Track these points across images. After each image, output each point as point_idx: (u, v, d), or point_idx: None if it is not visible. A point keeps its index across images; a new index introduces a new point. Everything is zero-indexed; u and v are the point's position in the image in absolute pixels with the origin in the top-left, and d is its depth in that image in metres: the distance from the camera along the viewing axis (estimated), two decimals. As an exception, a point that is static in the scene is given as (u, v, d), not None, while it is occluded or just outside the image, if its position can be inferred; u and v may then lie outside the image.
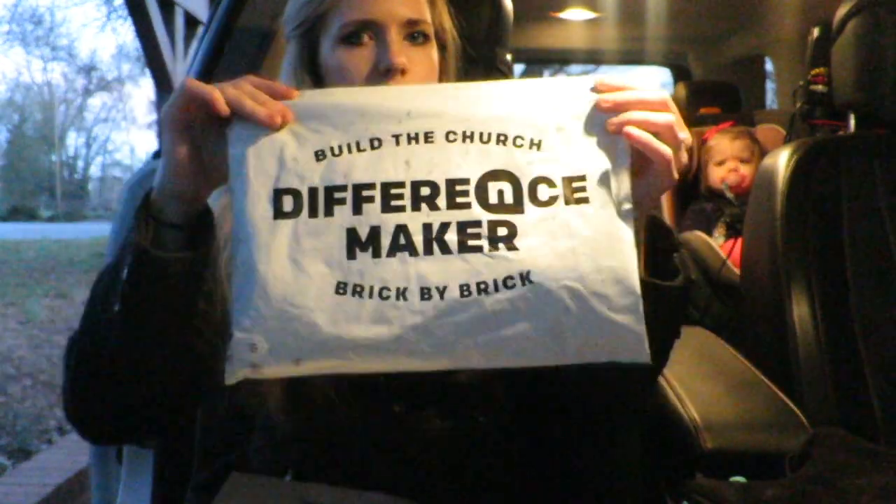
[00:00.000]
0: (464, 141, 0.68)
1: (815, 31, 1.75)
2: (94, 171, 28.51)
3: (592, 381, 0.81)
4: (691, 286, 0.75)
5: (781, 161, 1.31)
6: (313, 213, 0.67)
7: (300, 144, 0.69)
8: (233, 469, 0.85)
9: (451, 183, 0.67)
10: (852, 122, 1.63)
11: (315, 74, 0.88)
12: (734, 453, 0.98)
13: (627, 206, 0.68)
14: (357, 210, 0.67)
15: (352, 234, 0.67)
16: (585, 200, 0.67)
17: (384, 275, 0.66)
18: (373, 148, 0.69)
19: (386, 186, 0.67)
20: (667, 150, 0.69)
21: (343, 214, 0.67)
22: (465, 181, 0.67)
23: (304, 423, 0.85)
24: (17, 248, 11.42)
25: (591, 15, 3.10)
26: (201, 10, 6.23)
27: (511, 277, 0.65)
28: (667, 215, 2.72)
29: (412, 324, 0.65)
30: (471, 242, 0.66)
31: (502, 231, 0.66)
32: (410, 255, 0.66)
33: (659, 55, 3.82)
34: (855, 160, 1.30)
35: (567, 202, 0.67)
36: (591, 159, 0.68)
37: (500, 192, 0.67)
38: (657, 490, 1.04)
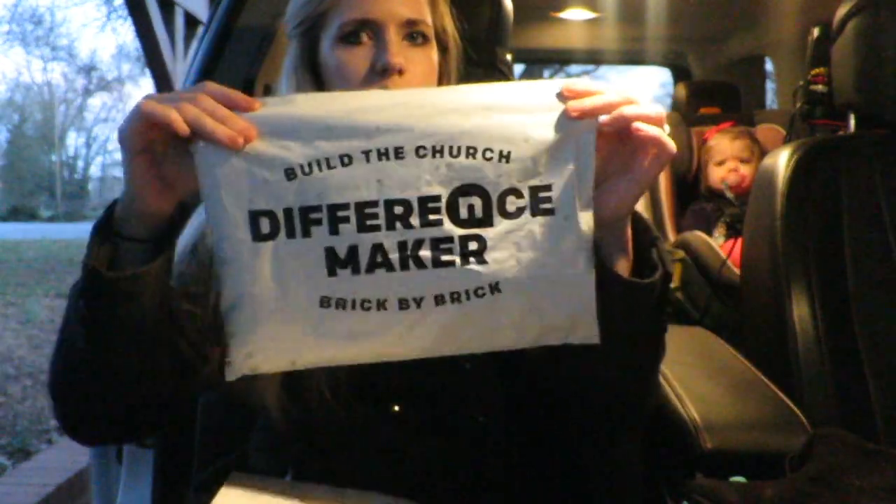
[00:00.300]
0: (434, 156, 0.69)
1: (815, 31, 1.75)
2: (94, 171, 28.51)
3: (592, 379, 0.81)
4: (669, 279, 0.76)
5: (781, 161, 1.31)
6: (291, 234, 0.69)
7: (269, 163, 0.68)
8: (233, 469, 0.86)
9: (423, 201, 0.69)
10: (852, 122, 1.63)
11: (315, 73, 0.88)
12: (734, 453, 0.98)
13: (589, 212, 0.70)
14: (334, 230, 0.69)
15: (331, 253, 0.69)
16: (550, 212, 0.70)
17: (364, 290, 0.70)
18: (343, 165, 0.69)
19: (360, 206, 0.69)
20: (668, 142, 0.69)
21: (321, 235, 0.69)
22: (437, 198, 0.69)
23: (303, 423, 0.85)
24: (17, 248, 11.42)
25: (591, 15, 3.10)
26: (201, 10, 6.23)
27: (481, 288, 0.70)
28: (667, 215, 2.72)
29: (392, 327, 0.71)
30: (444, 258, 0.69)
31: (473, 245, 0.70)
32: (388, 270, 0.69)
33: (659, 55, 3.82)
34: (855, 160, 1.30)
35: (533, 213, 0.70)
36: (557, 169, 0.70)
37: (471, 207, 0.69)
38: (657, 490, 1.04)
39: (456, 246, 0.70)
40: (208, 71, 1.42)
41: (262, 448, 0.90)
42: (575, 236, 0.70)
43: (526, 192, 0.70)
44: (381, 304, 0.70)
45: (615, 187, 0.71)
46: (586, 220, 0.71)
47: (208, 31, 1.41)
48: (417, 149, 0.69)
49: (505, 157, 0.70)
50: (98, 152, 28.21)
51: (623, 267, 0.75)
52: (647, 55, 3.81)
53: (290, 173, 0.68)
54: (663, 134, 0.69)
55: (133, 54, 24.63)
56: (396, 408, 0.86)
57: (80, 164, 27.46)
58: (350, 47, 0.84)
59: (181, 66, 5.91)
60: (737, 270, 1.89)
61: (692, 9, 3.03)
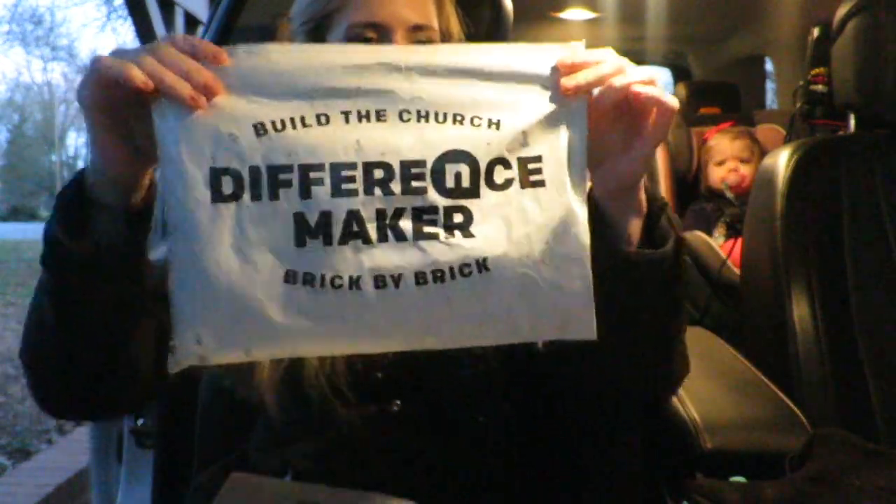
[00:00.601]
0: (418, 121, 0.64)
1: (815, 31, 1.75)
2: (95, 171, 28.43)
3: (618, 361, 0.79)
4: (682, 246, 0.73)
5: (781, 161, 1.31)
6: (256, 196, 0.62)
7: (237, 118, 0.62)
8: (233, 469, 0.85)
9: (405, 165, 0.63)
10: (852, 122, 1.63)
11: None
12: (734, 453, 0.98)
13: (582, 188, 0.66)
14: (305, 194, 0.62)
15: (300, 219, 0.62)
16: (541, 184, 0.65)
17: (336, 263, 0.63)
18: (319, 124, 0.63)
19: (336, 168, 0.62)
20: (670, 98, 0.67)
21: (290, 198, 0.62)
22: (421, 163, 0.63)
23: (303, 423, 0.85)
24: (17, 248, 11.42)
25: (591, 15, 3.10)
26: (201, 10, 6.23)
27: (467, 265, 0.64)
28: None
29: (366, 312, 0.64)
30: (426, 229, 0.63)
31: (458, 218, 0.64)
32: (364, 242, 0.63)
33: (659, 55, 3.83)
34: (855, 160, 1.30)
35: (523, 185, 0.65)
36: (548, 140, 0.66)
37: (458, 175, 0.64)
38: (657, 490, 1.04)
39: (440, 217, 0.64)
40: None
41: (262, 448, 0.90)
42: (567, 213, 0.66)
43: (514, 163, 0.65)
44: (354, 282, 0.63)
45: (622, 157, 0.69)
46: (579, 195, 0.66)
47: (208, 31, 1.41)
48: (401, 112, 0.64)
49: (494, 124, 0.65)
50: (98, 152, 28.15)
51: (638, 227, 0.73)
52: (647, 55, 3.80)
53: (259, 129, 0.62)
54: (662, 92, 0.67)
55: (133, 54, 24.55)
56: (396, 406, 0.86)
57: (80, 164, 27.43)
58: None
59: (181, 66, 5.90)
60: (737, 270, 1.89)
61: (692, 9, 3.03)
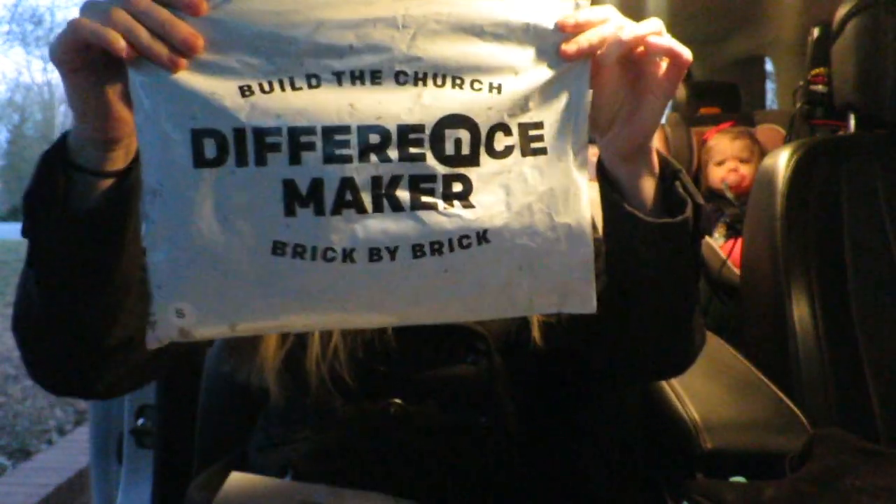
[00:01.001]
0: (416, 83, 0.60)
1: (815, 31, 1.75)
2: (95, 171, 28.46)
3: (631, 335, 0.77)
4: (702, 211, 0.69)
5: (781, 161, 1.31)
6: (242, 161, 0.58)
7: (221, 76, 0.58)
8: (233, 469, 0.86)
9: (403, 130, 0.59)
10: (852, 122, 1.63)
11: None
12: (734, 453, 0.98)
13: (584, 155, 0.64)
14: (295, 159, 0.58)
15: (290, 186, 0.58)
16: (542, 151, 0.63)
17: (328, 234, 0.59)
18: (310, 87, 0.58)
19: (328, 132, 0.58)
20: (683, 49, 0.65)
21: (278, 164, 0.58)
22: (420, 128, 0.60)
23: (302, 413, 0.85)
24: (18, 248, 11.41)
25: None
26: (201, 11, 6.23)
27: (467, 236, 0.61)
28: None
29: (360, 287, 0.61)
30: (424, 199, 0.60)
31: (457, 187, 0.61)
32: (358, 212, 0.59)
33: (659, 55, 3.82)
34: (855, 160, 1.30)
35: (524, 153, 0.62)
36: (550, 106, 0.63)
37: (458, 142, 0.60)
38: (657, 490, 1.04)
39: (439, 186, 0.60)
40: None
41: (262, 448, 0.90)
42: (568, 181, 0.63)
43: (515, 130, 0.62)
44: (347, 255, 0.59)
45: (633, 116, 0.67)
46: (580, 162, 0.64)
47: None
48: (397, 74, 0.59)
49: (496, 88, 0.61)
50: (98, 152, 28.18)
51: (651, 191, 0.71)
52: (647, 55, 3.80)
53: (245, 90, 0.58)
54: (675, 42, 0.64)
55: (133, 54, 24.59)
56: (397, 404, 0.85)
57: (80, 164, 27.43)
58: None
59: (181, 66, 5.91)
60: (737, 270, 1.89)
61: (692, 9, 3.03)
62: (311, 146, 0.58)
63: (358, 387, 0.84)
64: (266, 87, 0.58)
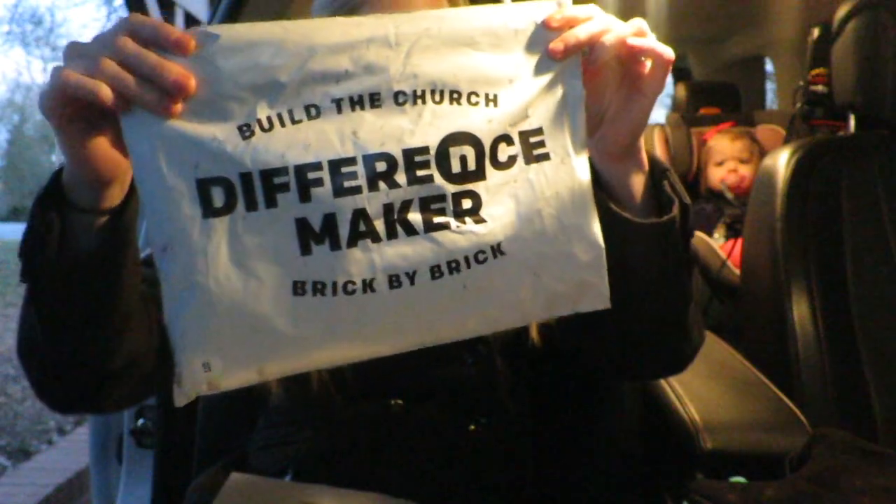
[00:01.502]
0: (415, 103, 0.59)
1: (815, 32, 1.75)
2: (94, 171, 28.47)
3: (624, 337, 0.77)
4: (688, 211, 0.70)
5: (781, 161, 1.31)
6: (252, 205, 0.57)
7: (218, 118, 0.56)
8: (233, 469, 0.85)
9: (409, 154, 0.59)
10: (852, 122, 1.63)
11: None
12: (734, 453, 0.98)
13: (584, 155, 0.64)
14: (305, 197, 0.57)
15: (303, 225, 0.58)
16: (545, 157, 0.63)
17: (347, 267, 0.58)
18: (310, 118, 0.57)
19: (335, 165, 0.57)
20: (665, 48, 0.65)
21: (289, 203, 0.57)
22: (425, 150, 0.59)
23: (303, 412, 0.85)
24: (17, 248, 11.41)
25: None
26: (201, 10, 6.23)
27: (482, 251, 0.61)
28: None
29: (382, 314, 0.60)
30: (436, 220, 0.60)
31: (467, 203, 0.61)
32: (373, 241, 0.59)
33: (659, 55, 3.82)
34: (855, 161, 1.30)
35: (527, 161, 0.62)
36: (546, 110, 0.63)
37: (463, 159, 0.60)
38: (657, 490, 1.04)
39: (449, 205, 0.60)
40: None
41: (262, 448, 0.90)
42: (573, 182, 0.63)
43: (516, 138, 0.62)
44: (367, 285, 0.59)
45: (621, 115, 0.67)
46: (582, 164, 0.64)
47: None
48: (396, 95, 0.59)
49: (492, 100, 0.61)
50: (98, 152, 28.19)
51: (640, 190, 0.71)
52: (647, 55, 3.80)
53: (245, 130, 0.56)
54: (655, 42, 0.65)
55: (133, 54, 24.61)
56: (398, 404, 0.85)
57: (81, 164, 27.45)
58: None
59: (181, 66, 5.91)
60: (737, 271, 1.89)
61: (692, 9, 3.03)
62: (319, 182, 0.57)
63: (359, 387, 0.84)
64: (266, 125, 0.57)
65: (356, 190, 0.58)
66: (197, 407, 1.07)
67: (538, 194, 0.62)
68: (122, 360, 0.68)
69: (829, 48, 1.39)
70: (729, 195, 2.50)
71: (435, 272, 0.60)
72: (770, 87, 3.93)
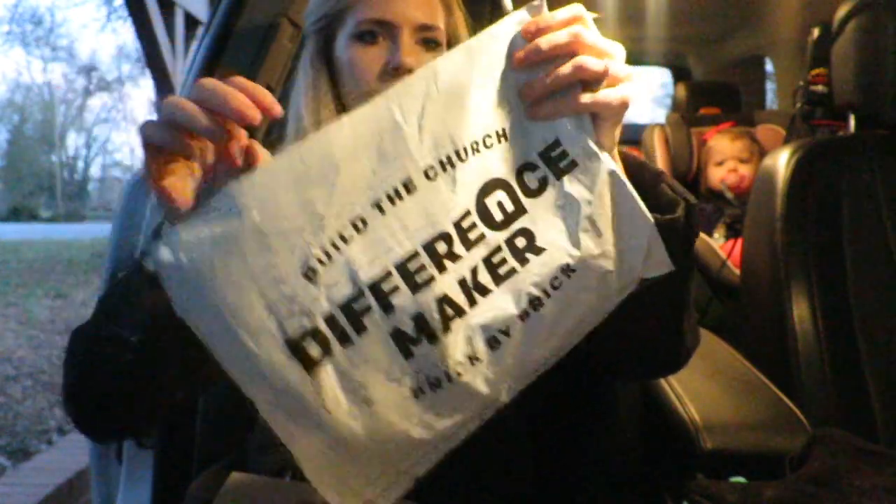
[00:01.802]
0: (444, 170, 0.59)
1: (815, 32, 1.75)
2: (95, 171, 28.53)
3: (627, 339, 0.78)
4: (694, 210, 0.70)
5: (781, 161, 1.31)
6: (345, 340, 0.57)
7: (280, 263, 0.55)
8: (233, 469, 0.85)
9: (457, 223, 0.59)
10: (852, 122, 1.63)
11: (329, 69, 0.92)
12: (734, 453, 0.98)
13: (601, 144, 0.64)
14: (388, 309, 0.57)
15: (397, 335, 0.58)
16: (572, 164, 0.63)
17: (451, 353, 0.59)
18: (359, 232, 0.57)
19: (401, 267, 0.58)
20: (616, 96, 0.63)
21: (377, 322, 0.57)
22: (467, 214, 0.60)
23: None
24: (17, 248, 11.43)
25: (591, 15, 3.09)
26: (201, 11, 6.23)
27: (555, 278, 0.62)
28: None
29: (492, 377, 0.61)
30: (502, 270, 0.61)
31: (521, 242, 0.62)
32: (461, 317, 0.59)
33: (659, 55, 3.82)
34: (855, 161, 1.30)
35: (557, 176, 0.63)
36: (552, 122, 0.63)
37: (500, 205, 0.61)
38: (657, 490, 1.04)
39: (507, 252, 0.61)
40: (208, 71, 1.43)
41: (261, 448, 0.90)
42: (606, 173, 0.63)
43: (538, 161, 0.63)
44: (473, 358, 0.60)
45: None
46: (605, 155, 0.63)
47: (208, 31, 1.41)
48: (426, 172, 0.59)
49: (502, 135, 0.62)
50: (98, 153, 28.25)
51: None
52: (647, 55, 3.81)
53: (310, 274, 0.56)
54: (610, 94, 0.63)
55: (133, 55, 24.68)
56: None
57: (81, 164, 27.48)
58: (365, 46, 0.87)
59: (181, 66, 5.92)
60: (737, 271, 1.89)
61: (692, 9, 3.03)
62: (395, 290, 0.57)
63: None
64: (325, 259, 0.56)
65: (429, 280, 0.58)
66: (197, 407, 1.07)
67: (580, 200, 0.63)
68: (187, 395, 0.75)
69: (829, 48, 1.39)
70: (729, 195, 2.50)
71: (523, 317, 0.61)
72: (770, 87, 3.93)
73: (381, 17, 0.86)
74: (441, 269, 0.58)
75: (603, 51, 0.64)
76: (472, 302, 0.59)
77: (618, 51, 0.65)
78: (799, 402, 1.10)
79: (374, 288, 0.57)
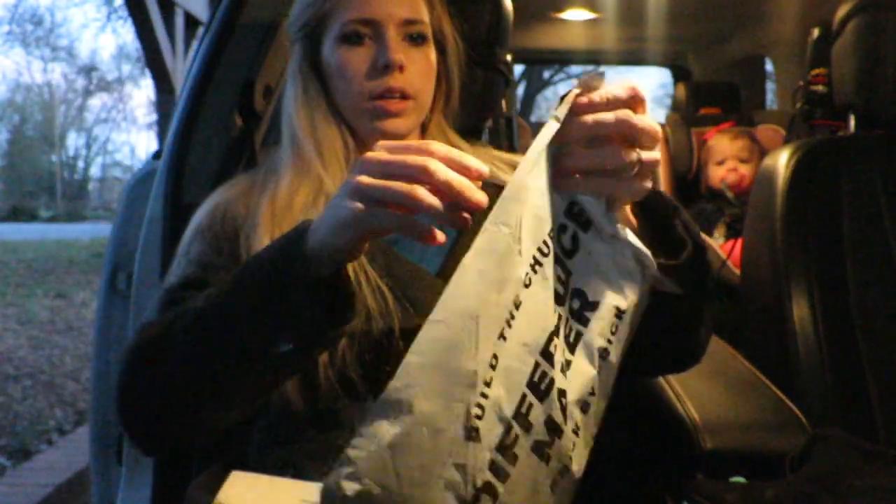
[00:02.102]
0: (535, 272, 0.59)
1: (815, 32, 1.75)
2: (95, 171, 28.52)
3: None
4: (702, 250, 0.72)
5: (781, 161, 1.31)
6: (505, 478, 0.58)
7: (448, 436, 0.55)
8: (233, 469, 0.85)
9: (544, 352, 0.60)
10: (852, 122, 1.63)
11: (318, 74, 0.92)
12: (734, 453, 0.98)
13: (607, 218, 0.67)
14: (528, 428, 0.59)
15: (538, 446, 0.60)
16: (590, 221, 0.66)
17: (569, 436, 0.62)
18: (494, 369, 0.57)
19: (531, 384, 0.59)
20: (638, 189, 0.66)
21: (522, 446, 0.59)
22: (556, 332, 0.62)
23: (308, 416, 0.85)
24: (17, 248, 11.42)
25: (591, 15, 3.10)
26: (201, 11, 6.24)
27: (613, 325, 0.66)
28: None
29: (585, 439, 0.65)
30: (572, 338, 0.65)
31: (576, 304, 0.65)
32: (566, 398, 0.62)
33: (659, 55, 3.83)
34: (855, 161, 1.30)
35: (584, 230, 0.66)
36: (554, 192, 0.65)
37: (559, 277, 0.64)
38: (657, 490, 1.04)
39: (570, 320, 0.64)
40: (208, 71, 1.42)
41: (262, 448, 0.90)
42: (613, 217, 0.67)
43: (566, 220, 0.65)
44: (576, 431, 0.63)
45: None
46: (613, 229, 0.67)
47: (208, 31, 1.41)
48: (524, 283, 0.58)
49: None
50: (98, 153, 28.26)
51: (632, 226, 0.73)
52: (647, 55, 3.81)
53: (473, 434, 0.56)
54: (635, 179, 0.65)
55: (133, 55, 24.68)
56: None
57: (81, 164, 27.48)
58: (351, 47, 0.88)
59: (181, 66, 5.92)
60: (737, 271, 1.89)
61: (692, 9, 3.03)
62: (530, 407, 0.59)
63: (366, 388, 0.84)
64: (480, 412, 0.56)
65: (551, 383, 0.60)
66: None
67: (605, 247, 0.66)
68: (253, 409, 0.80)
69: (829, 48, 1.39)
70: (729, 195, 2.49)
71: (599, 371, 0.65)
72: (770, 87, 3.93)
73: (365, 16, 0.87)
74: (553, 366, 0.60)
75: (643, 139, 0.65)
76: (567, 380, 0.62)
77: (656, 133, 0.66)
78: (799, 402, 1.10)
79: (517, 416, 0.58)
